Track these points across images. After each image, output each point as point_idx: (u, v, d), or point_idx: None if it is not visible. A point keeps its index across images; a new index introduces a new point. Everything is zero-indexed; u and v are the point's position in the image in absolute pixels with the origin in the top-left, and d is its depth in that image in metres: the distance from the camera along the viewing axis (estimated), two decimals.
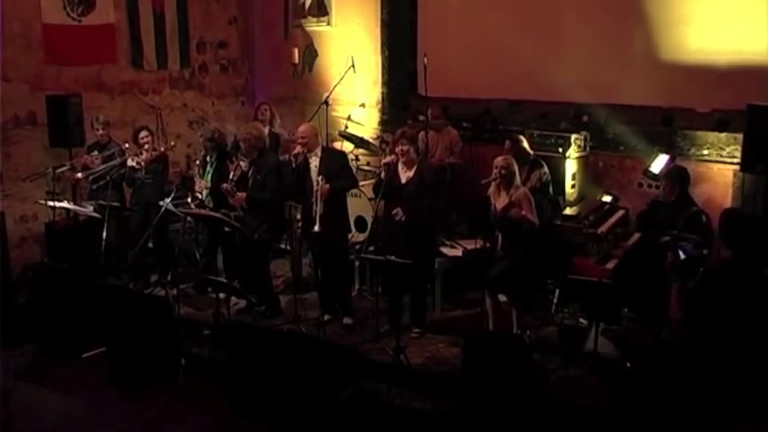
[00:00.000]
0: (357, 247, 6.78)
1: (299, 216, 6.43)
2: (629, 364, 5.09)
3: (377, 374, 5.46)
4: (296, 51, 9.32)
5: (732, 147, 6.83)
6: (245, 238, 6.25)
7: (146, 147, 7.09)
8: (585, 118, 7.66)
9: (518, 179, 5.70)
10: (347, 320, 6.36)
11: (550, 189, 6.78)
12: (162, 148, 7.21)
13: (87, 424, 5.30)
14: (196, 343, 6.07)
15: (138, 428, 5.28)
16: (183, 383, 5.65)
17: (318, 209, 5.98)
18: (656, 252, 5.30)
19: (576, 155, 7.26)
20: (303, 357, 5.14)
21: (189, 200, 6.81)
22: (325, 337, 5.95)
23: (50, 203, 6.87)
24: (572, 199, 7.21)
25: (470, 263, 6.47)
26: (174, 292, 6.41)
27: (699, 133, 7.10)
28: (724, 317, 4.39)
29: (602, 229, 6.69)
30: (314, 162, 6.16)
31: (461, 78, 8.22)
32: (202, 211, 6.53)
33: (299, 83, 9.43)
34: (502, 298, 5.85)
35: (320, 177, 6.03)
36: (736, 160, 6.58)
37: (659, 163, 6.64)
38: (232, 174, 6.37)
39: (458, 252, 6.77)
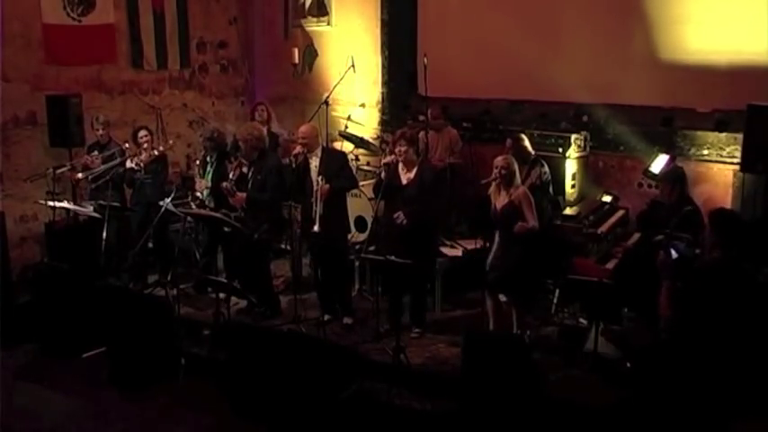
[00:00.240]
0: (357, 247, 6.78)
1: (298, 216, 6.43)
2: (629, 364, 5.09)
3: (377, 374, 5.45)
4: (296, 51, 9.32)
5: (732, 147, 6.83)
6: (245, 239, 6.25)
7: (144, 146, 7.08)
8: (585, 118, 7.66)
9: (518, 179, 5.70)
10: (347, 320, 6.36)
11: (550, 189, 6.78)
12: (160, 148, 7.21)
13: (87, 424, 5.30)
14: (196, 343, 6.07)
15: (138, 428, 5.28)
16: (183, 383, 5.65)
17: (318, 209, 5.98)
18: (652, 251, 5.32)
19: (576, 155, 7.26)
20: (303, 357, 5.14)
21: (190, 200, 6.81)
22: (325, 337, 5.95)
23: (50, 203, 6.87)
24: (572, 199, 7.21)
25: (470, 263, 6.48)
26: (174, 292, 6.40)
27: (699, 133, 7.10)
28: (712, 316, 4.39)
29: (602, 229, 6.69)
30: (314, 162, 6.16)
31: (461, 78, 8.22)
32: (202, 212, 6.53)
33: (299, 83, 9.43)
34: (502, 298, 5.85)
35: (320, 177, 6.03)
36: (736, 160, 6.58)
37: (659, 163, 6.65)
38: (232, 174, 6.37)
39: (458, 252, 6.77)
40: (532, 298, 6.35)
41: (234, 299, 6.18)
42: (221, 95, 9.59)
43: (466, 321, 6.28)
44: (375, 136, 8.69)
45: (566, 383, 5.29)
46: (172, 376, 5.68)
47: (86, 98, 7.64)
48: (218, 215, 6.32)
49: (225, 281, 6.22)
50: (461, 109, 8.30)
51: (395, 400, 5.25)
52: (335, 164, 6.20)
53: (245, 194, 6.27)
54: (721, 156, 6.97)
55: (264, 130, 7.37)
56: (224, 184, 6.32)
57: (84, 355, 6.09)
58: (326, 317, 6.31)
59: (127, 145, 7.19)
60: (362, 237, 6.70)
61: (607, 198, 7.16)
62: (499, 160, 5.66)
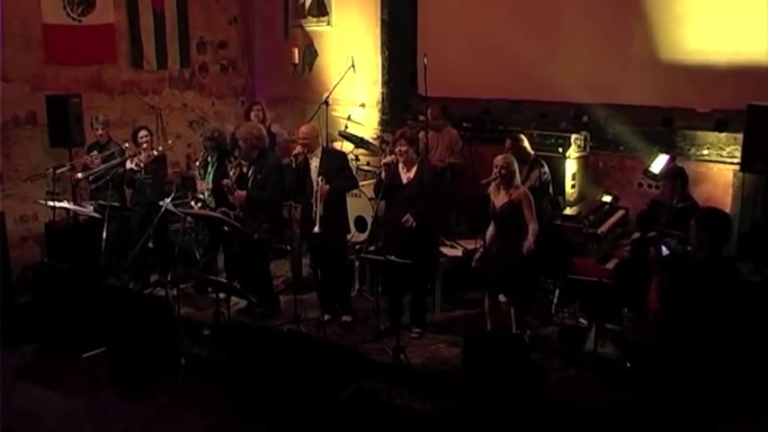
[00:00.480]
0: (357, 247, 6.78)
1: (298, 216, 6.43)
2: (629, 364, 5.09)
3: (377, 374, 5.45)
4: (296, 51, 9.32)
5: (732, 147, 6.83)
6: (245, 238, 6.25)
7: (144, 147, 7.09)
8: (585, 118, 7.66)
9: (518, 179, 5.71)
10: (346, 318, 6.37)
11: (550, 189, 6.79)
12: (159, 148, 7.21)
13: (87, 424, 5.30)
14: (196, 343, 6.07)
15: (138, 428, 5.27)
16: (183, 383, 5.65)
17: (318, 210, 5.98)
18: (644, 247, 5.35)
19: (576, 155, 7.26)
20: (303, 357, 5.14)
21: (192, 201, 6.80)
22: (325, 337, 5.95)
23: (50, 203, 6.87)
24: (572, 199, 7.21)
25: (470, 263, 6.47)
26: (174, 292, 6.40)
27: (699, 133, 7.10)
28: (699, 312, 4.41)
29: (602, 229, 6.70)
30: (314, 163, 6.16)
31: (461, 78, 8.22)
32: (202, 212, 6.53)
33: (299, 83, 9.43)
34: (501, 298, 5.85)
35: (320, 178, 6.04)
36: (736, 160, 6.58)
37: (659, 163, 6.65)
38: (232, 173, 6.37)
39: (458, 252, 6.77)
40: (532, 298, 6.35)
41: (234, 299, 6.18)
42: (221, 95, 9.60)
43: (466, 321, 6.29)
44: (375, 136, 8.69)
45: (566, 383, 5.29)
46: (172, 376, 5.67)
47: (86, 98, 7.64)
48: (217, 215, 6.31)
49: (225, 281, 6.22)
50: (461, 109, 8.30)
51: (395, 400, 5.25)
52: (336, 164, 6.21)
53: (245, 192, 6.27)
54: (721, 156, 6.97)
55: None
56: (225, 181, 6.32)
57: (84, 355, 6.09)
58: (326, 317, 6.31)
59: (126, 145, 7.19)
60: (362, 237, 6.70)
61: (607, 198, 7.16)
62: (499, 160, 5.66)
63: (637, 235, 6.15)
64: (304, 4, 9.35)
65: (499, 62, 7.98)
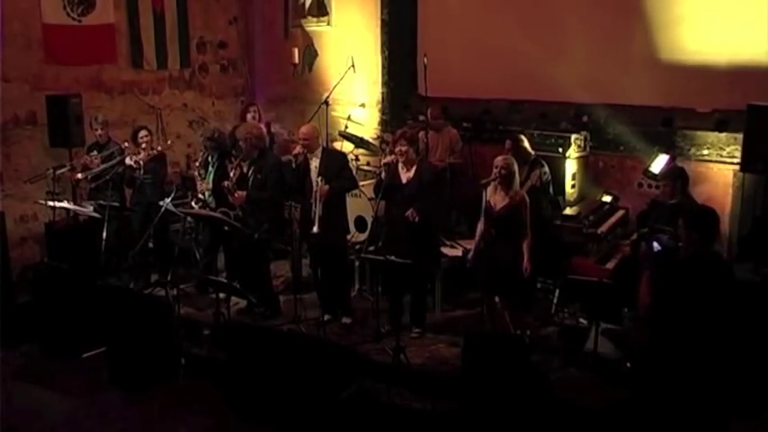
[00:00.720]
0: (357, 247, 6.78)
1: (298, 216, 6.43)
2: (629, 364, 5.09)
3: (377, 374, 5.46)
4: (296, 51, 9.32)
5: (732, 147, 6.83)
6: (245, 238, 6.25)
7: (143, 146, 7.09)
8: (585, 118, 7.66)
9: (518, 180, 5.71)
10: (346, 320, 6.37)
11: (551, 189, 6.78)
12: (158, 147, 7.22)
13: (87, 424, 5.30)
14: (196, 343, 6.07)
15: (138, 428, 5.27)
16: (182, 383, 5.65)
17: (318, 210, 5.98)
18: (636, 244, 5.39)
19: (576, 155, 7.26)
20: (303, 357, 5.14)
21: (192, 202, 6.80)
22: (325, 337, 5.95)
23: (50, 203, 6.87)
24: (572, 199, 7.21)
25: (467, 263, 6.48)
26: (174, 292, 6.41)
27: (699, 133, 7.10)
28: (690, 307, 4.42)
29: (602, 229, 6.69)
30: (314, 163, 6.16)
31: (461, 78, 8.22)
32: (202, 212, 6.53)
33: (299, 83, 9.43)
34: (497, 299, 5.85)
35: (320, 178, 6.03)
36: (736, 160, 6.58)
37: (659, 163, 6.64)
38: (232, 173, 6.37)
39: (458, 252, 6.77)
40: (529, 299, 6.36)
41: (234, 299, 6.18)
42: (221, 95, 9.60)
43: (466, 321, 6.29)
44: (375, 136, 8.69)
45: (566, 383, 5.29)
46: (172, 376, 5.67)
47: (86, 98, 7.64)
48: (217, 215, 6.31)
49: (225, 281, 6.22)
50: (461, 109, 8.30)
51: (395, 400, 5.25)
52: (336, 165, 6.20)
53: (245, 193, 6.28)
54: (721, 156, 6.97)
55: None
56: (225, 183, 6.32)
57: (84, 355, 6.09)
58: (326, 317, 6.32)
59: (126, 145, 7.19)
60: (362, 237, 6.70)
61: (607, 198, 7.16)
62: (499, 160, 5.66)
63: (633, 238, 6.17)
64: (304, 4, 9.34)
65: (499, 62, 7.98)
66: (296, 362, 5.12)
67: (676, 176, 5.64)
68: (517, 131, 7.07)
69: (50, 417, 5.37)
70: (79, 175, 7.07)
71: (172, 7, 8.80)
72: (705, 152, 7.07)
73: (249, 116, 8.08)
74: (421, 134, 7.28)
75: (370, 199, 6.87)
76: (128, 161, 7.00)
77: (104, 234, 6.67)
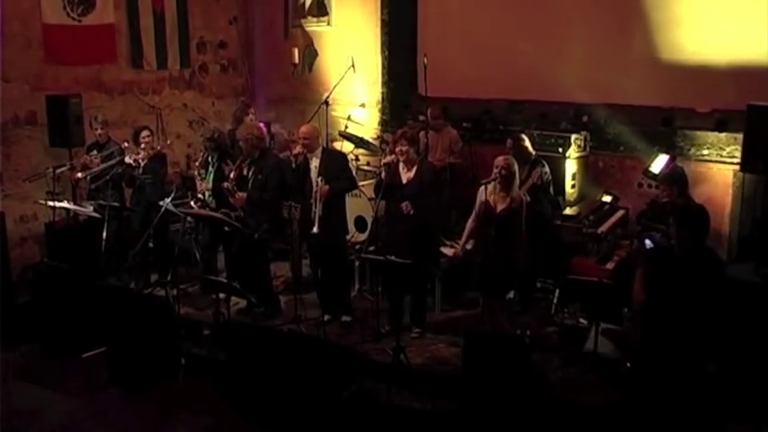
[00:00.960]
0: (357, 247, 6.78)
1: (298, 216, 6.43)
2: (629, 364, 5.09)
3: (377, 374, 5.45)
4: (296, 51, 9.33)
5: (732, 147, 6.83)
6: (245, 239, 6.25)
7: (143, 146, 7.09)
8: (585, 118, 7.66)
9: (518, 181, 5.71)
10: (345, 318, 6.37)
11: (551, 189, 6.78)
12: (158, 147, 7.22)
13: (87, 424, 5.30)
14: (196, 343, 6.07)
15: (138, 428, 5.28)
16: (182, 383, 5.65)
17: (317, 210, 5.98)
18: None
19: (576, 155, 7.26)
20: (303, 357, 5.14)
21: (192, 202, 6.81)
22: (325, 337, 5.95)
23: (50, 203, 6.87)
24: (572, 199, 7.21)
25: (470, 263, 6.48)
26: (174, 292, 6.41)
27: (699, 133, 7.10)
28: (684, 304, 4.44)
29: (602, 229, 6.69)
30: (314, 163, 6.16)
31: (461, 78, 8.22)
32: (202, 212, 6.53)
33: (299, 83, 9.43)
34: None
35: (319, 178, 6.03)
36: (736, 160, 6.58)
37: (659, 163, 6.64)
38: (232, 175, 6.37)
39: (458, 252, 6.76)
40: (529, 298, 6.36)
41: (234, 299, 6.18)
42: (221, 95, 9.60)
43: (466, 321, 6.28)
44: (375, 136, 8.69)
45: (566, 383, 5.29)
46: (172, 376, 5.68)
47: (86, 98, 7.64)
48: (218, 215, 6.32)
49: (225, 281, 6.22)
50: (461, 109, 8.30)
51: (395, 400, 5.25)
52: (336, 165, 6.20)
53: (245, 194, 6.28)
54: (721, 156, 6.97)
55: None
56: (225, 183, 6.32)
57: (84, 355, 6.10)
58: (326, 317, 6.31)
59: (126, 144, 7.19)
60: (362, 237, 6.69)
61: (607, 198, 7.16)
62: (500, 160, 5.65)
63: None
64: (304, 4, 9.34)
65: (499, 62, 7.98)
66: (296, 362, 5.12)
67: (674, 181, 5.65)
68: (517, 131, 7.07)
69: (50, 417, 5.38)
70: (79, 175, 7.08)
71: (172, 7, 8.81)
72: (705, 152, 7.07)
73: (248, 119, 8.07)
74: (421, 134, 7.28)
75: (370, 199, 6.86)
76: (126, 159, 6.99)
77: (104, 234, 6.67)
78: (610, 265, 6.11)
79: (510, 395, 4.78)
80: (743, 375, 5.00)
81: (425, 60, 7.61)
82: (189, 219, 7.06)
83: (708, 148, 7.06)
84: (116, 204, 6.87)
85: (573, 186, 7.25)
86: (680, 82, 7.09)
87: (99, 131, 7.27)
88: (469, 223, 5.89)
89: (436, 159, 7.42)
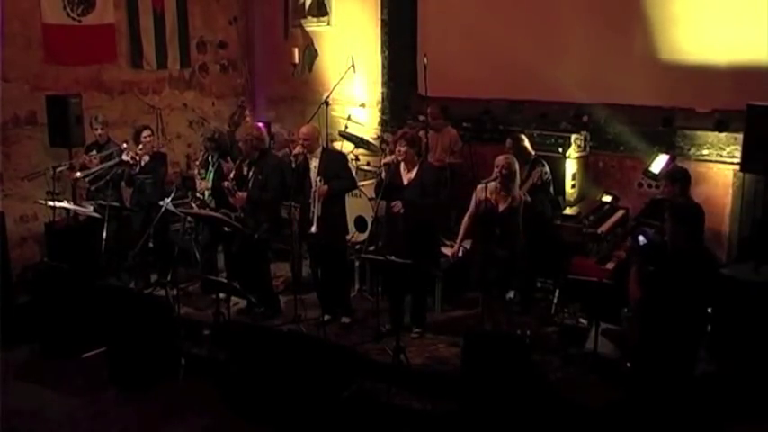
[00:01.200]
0: (357, 247, 6.78)
1: (298, 216, 6.44)
2: (629, 364, 5.09)
3: (377, 374, 5.45)
4: (296, 51, 9.32)
5: (732, 147, 6.83)
6: (245, 239, 6.25)
7: (140, 147, 7.09)
8: (585, 118, 7.66)
9: (518, 180, 5.71)
10: (345, 319, 6.37)
11: (551, 189, 6.78)
12: (158, 147, 7.22)
13: (87, 424, 5.30)
14: (196, 343, 6.07)
15: (137, 428, 5.28)
16: (182, 383, 5.65)
17: (316, 210, 5.98)
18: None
19: (576, 155, 7.26)
20: (303, 357, 5.14)
21: (191, 200, 6.81)
22: (325, 337, 5.95)
23: (50, 203, 6.87)
24: (572, 199, 7.21)
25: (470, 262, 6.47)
26: (174, 292, 6.41)
27: (699, 133, 7.10)
28: (679, 301, 4.45)
29: (602, 229, 6.69)
30: (314, 163, 6.16)
31: (461, 78, 8.22)
32: (202, 212, 6.54)
33: (299, 83, 9.43)
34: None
35: (319, 178, 6.03)
36: (736, 160, 6.58)
37: (659, 163, 6.64)
38: (231, 174, 6.37)
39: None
40: (529, 298, 6.36)
41: (234, 299, 6.18)
42: (221, 95, 9.60)
43: (466, 321, 6.28)
44: (375, 136, 8.69)
45: (566, 383, 5.29)
46: (172, 376, 5.68)
47: (86, 98, 7.64)
48: (218, 215, 6.32)
49: (225, 281, 6.22)
50: (461, 109, 8.30)
51: (395, 400, 5.25)
52: (335, 165, 6.20)
53: (245, 194, 6.28)
54: (721, 156, 6.97)
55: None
56: (225, 183, 6.32)
57: (84, 355, 6.09)
58: (326, 317, 6.31)
59: (125, 145, 7.17)
60: (362, 237, 6.69)
61: (607, 198, 7.15)
62: (500, 160, 5.65)
63: None
64: (304, 4, 9.34)
65: (499, 62, 7.98)
66: (296, 362, 5.12)
67: (676, 180, 5.64)
68: (517, 131, 7.07)
69: (50, 417, 5.38)
70: (77, 174, 7.07)
71: (172, 7, 8.81)
72: (705, 152, 7.07)
73: (248, 119, 8.09)
74: (420, 134, 7.28)
75: (370, 199, 6.86)
76: (124, 157, 6.98)
77: (104, 234, 6.67)
78: (610, 265, 6.10)
79: (510, 395, 4.77)
80: (743, 375, 5.00)
81: (425, 60, 7.62)
82: (189, 219, 7.06)
83: (708, 148, 7.06)
84: (116, 204, 6.87)
85: (573, 186, 7.26)
86: (680, 82, 7.09)
87: (99, 132, 7.28)
88: (465, 221, 5.89)
89: (436, 159, 7.42)
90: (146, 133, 7.18)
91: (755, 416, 4.79)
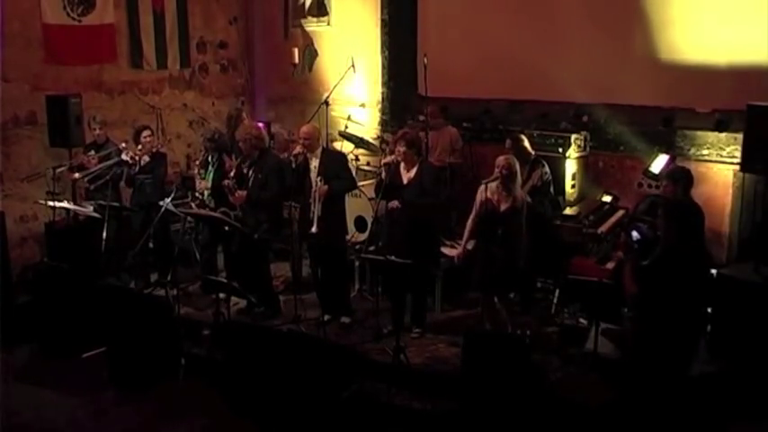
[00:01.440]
0: (357, 247, 6.78)
1: (297, 216, 6.44)
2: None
3: (377, 374, 5.45)
4: (296, 51, 9.32)
5: (732, 147, 6.83)
6: (244, 238, 6.25)
7: (139, 147, 7.09)
8: (585, 118, 7.66)
9: (520, 180, 5.71)
10: (345, 319, 6.37)
11: (551, 189, 6.78)
12: (158, 147, 7.22)
13: (87, 424, 5.30)
14: (196, 343, 6.07)
15: (138, 428, 5.28)
16: (182, 383, 5.65)
17: (316, 210, 5.98)
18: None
19: (576, 155, 7.25)
20: (303, 357, 5.14)
21: (190, 200, 6.81)
22: (325, 337, 5.95)
23: (50, 203, 6.87)
24: (572, 199, 7.21)
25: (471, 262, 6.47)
26: (174, 292, 6.41)
27: (699, 133, 7.10)
28: (672, 298, 4.46)
29: (602, 229, 6.69)
30: (314, 163, 6.16)
31: (461, 78, 8.22)
32: (202, 211, 6.54)
33: (299, 83, 9.43)
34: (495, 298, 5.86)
35: (319, 178, 6.03)
36: (736, 160, 6.58)
37: (659, 163, 6.64)
38: (232, 173, 6.37)
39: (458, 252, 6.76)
40: (529, 297, 6.36)
41: (234, 299, 6.18)
42: (221, 95, 9.60)
43: (466, 321, 6.28)
44: (375, 136, 8.69)
45: (566, 383, 5.29)
46: (172, 376, 5.68)
47: (86, 98, 7.64)
48: (217, 215, 6.32)
49: (225, 281, 6.22)
50: (461, 109, 8.30)
51: (395, 400, 5.25)
52: (335, 165, 6.21)
53: (245, 192, 6.28)
54: (721, 156, 6.97)
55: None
56: (225, 181, 6.33)
57: (84, 355, 6.09)
58: (326, 317, 6.31)
59: (123, 145, 7.17)
60: (362, 237, 6.69)
61: (607, 198, 7.15)
62: (501, 160, 5.65)
63: None
64: (304, 4, 9.34)
65: (499, 62, 7.98)
66: (296, 362, 5.12)
67: (678, 179, 5.63)
68: (517, 131, 7.07)
69: (50, 417, 5.38)
70: (76, 175, 7.07)
71: (172, 7, 8.81)
72: (705, 152, 7.06)
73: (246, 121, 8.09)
74: (421, 134, 7.28)
75: (370, 199, 6.86)
76: (123, 156, 6.98)
77: (104, 234, 6.67)
78: (610, 265, 6.11)
79: (510, 395, 4.77)
80: (743, 375, 5.00)
81: (425, 60, 7.62)
82: (189, 219, 7.06)
83: (708, 148, 7.06)
84: (116, 204, 6.87)
85: (573, 186, 7.25)
86: (680, 82, 7.09)
87: (97, 132, 7.28)
88: (470, 223, 5.89)
89: (436, 159, 7.42)
90: (145, 133, 7.18)
91: (755, 416, 4.78)
